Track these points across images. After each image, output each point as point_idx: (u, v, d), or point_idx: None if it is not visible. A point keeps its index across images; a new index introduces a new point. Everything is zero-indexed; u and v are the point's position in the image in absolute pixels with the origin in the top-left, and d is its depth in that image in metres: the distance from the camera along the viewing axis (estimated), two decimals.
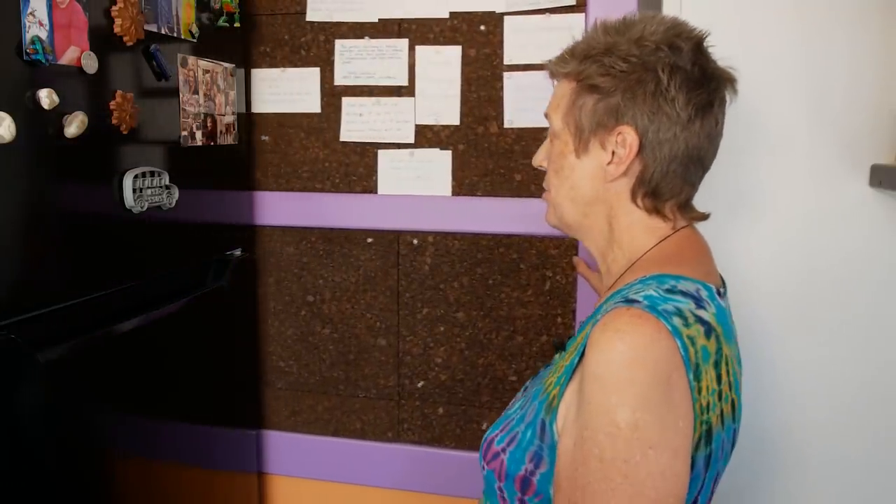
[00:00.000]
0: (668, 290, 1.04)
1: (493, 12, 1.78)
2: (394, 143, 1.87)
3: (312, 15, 1.87)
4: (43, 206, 1.22)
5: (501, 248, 1.84)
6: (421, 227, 1.88)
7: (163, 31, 1.48)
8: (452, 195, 1.85)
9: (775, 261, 1.68)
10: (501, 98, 1.80)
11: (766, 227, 1.68)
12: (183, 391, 1.62)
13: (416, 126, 1.85)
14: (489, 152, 1.82)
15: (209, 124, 1.67)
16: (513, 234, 1.82)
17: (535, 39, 1.77)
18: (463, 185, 1.84)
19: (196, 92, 1.61)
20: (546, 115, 1.21)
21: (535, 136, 1.78)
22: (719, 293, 1.11)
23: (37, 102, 1.17)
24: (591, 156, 1.16)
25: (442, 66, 1.83)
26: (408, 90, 1.85)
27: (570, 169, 1.18)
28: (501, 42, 1.79)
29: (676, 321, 0.99)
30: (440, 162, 1.85)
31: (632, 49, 1.12)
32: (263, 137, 1.94)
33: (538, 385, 1.17)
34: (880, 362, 1.65)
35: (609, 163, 1.15)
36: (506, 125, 1.81)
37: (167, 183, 1.49)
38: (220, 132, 1.72)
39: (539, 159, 1.26)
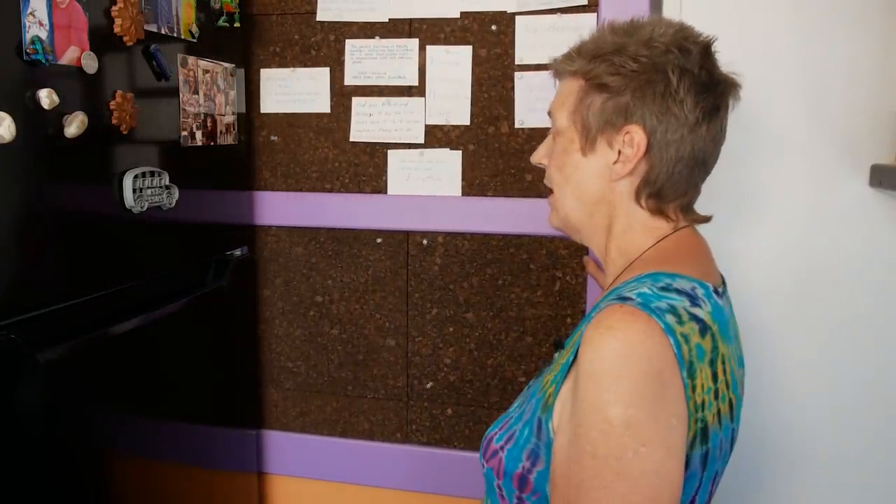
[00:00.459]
0: (663, 288, 1.04)
1: (505, 12, 1.77)
2: (404, 144, 1.86)
3: (323, 15, 1.87)
4: (43, 206, 1.23)
5: (511, 249, 1.83)
6: (431, 227, 1.87)
7: (163, 31, 1.48)
8: (462, 195, 1.84)
9: (775, 261, 1.67)
10: (512, 98, 1.79)
11: (766, 227, 1.67)
12: (183, 391, 1.62)
13: (427, 126, 1.84)
14: (500, 152, 1.80)
15: (209, 124, 1.67)
16: (523, 235, 1.80)
17: (546, 39, 1.76)
18: (473, 185, 1.83)
19: (196, 92, 1.61)
20: (549, 113, 1.20)
21: (545, 137, 1.76)
22: (717, 292, 1.10)
23: (37, 102, 1.17)
24: (597, 154, 1.16)
25: (452, 66, 1.82)
26: (418, 90, 1.84)
27: (574, 167, 1.17)
28: (513, 42, 1.77)
29: (669, 318, 0.98)
30: (450, 162, 1.84)
31: (641, 50, 1.12)
32: (273, 137, 1.94)
33: (537, 384, 1.16)
34: (880, 362, 1.64)
35: (615, 162, 1.14)
36: (516, 125, 1.79)
37: (167, 183, 1.49)
38: (220, 132, 1.72)
39: (539, 156, 1.25)
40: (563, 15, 1.73)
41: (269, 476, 2.05)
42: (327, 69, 1.89)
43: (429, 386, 1.92)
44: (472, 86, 1.81)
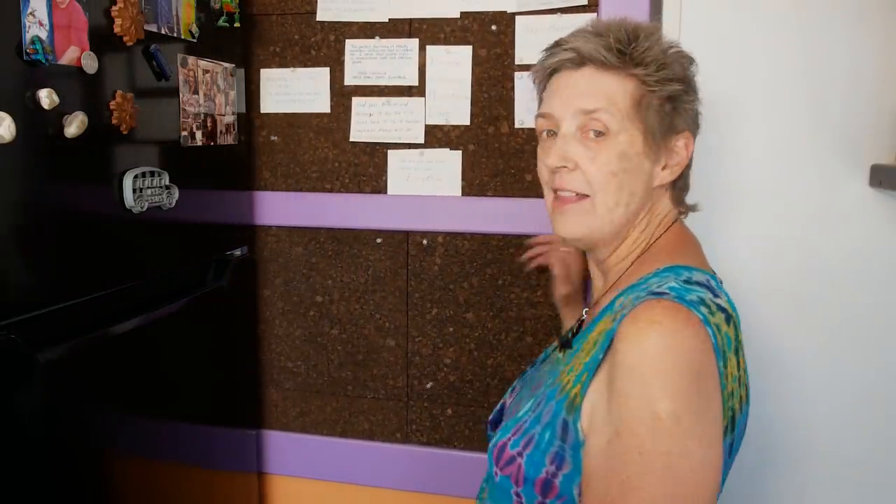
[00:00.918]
0: (686, 281, 1.06)
1: (505, 12, 1.77)
2: (404, 144, 1.86)
3: (323, 15, 1.87)
4: (43, 206, 1.23)
5: (511, 249, 1.83)
6: (430, 227, 1.87)
7: (163, 31, 1.48)
8: (462, 195, 1.84)
9: (775, 260, 1.66)
10: (512, 98, 1.79)
11: (766, 226, 1.66)
12: (183, 391, 1.62)
13: (426, 126, 1.84)
14: (500, 152, 1.80)
15: (209, 124, 1.67)
16: (523, 235, 1.80)
17: (546, 39, 1.72)
18: (473, 185, 1.83)
19: (196, 92, 1.61)
20: (589, 112, 1.13)
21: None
22: (720, 282, 1.14)
23: (37, 102, 1.17)
24: (652, 159, 1.16)
25: (452, 66, 1.82)
26: (418, 90, 1.84)
27: (633, 172, 1.14)
28: (513, 42, 1.77)
29: (704, 310, 1.00)
30: (450, 162, 1.84)
31: (679, 59, 1.19)
32: (273, 137, 1.94)
33: (549, 385, 1.14)
34: (880, 362, 1.64)
35: (664, 167, 1.17)
36: (516, 125, 1.79)
37: (167, 183, 1.49)
38: (220, 132, 1.72)
39: (578, 155, 1.14)
40: (563, 15, 1.73)
41: (269, 476, 2.05)
42: (327, 69, 1.89)
43: (429, 386, 1.92)
44: (472, 86, 1.81)
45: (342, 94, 1.88)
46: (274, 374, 2.03)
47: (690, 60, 1.21)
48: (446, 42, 1.81)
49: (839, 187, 1.62)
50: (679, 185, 1.22)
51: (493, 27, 1.78)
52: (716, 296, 1.06)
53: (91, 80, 1.29)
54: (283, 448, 2.04)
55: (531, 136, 1.78)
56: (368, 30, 1.85)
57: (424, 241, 1.88)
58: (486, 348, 1.87)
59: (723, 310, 1.04)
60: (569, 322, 1.58)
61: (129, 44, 1.36)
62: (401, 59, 1.84)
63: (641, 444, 0.94)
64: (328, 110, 1.90)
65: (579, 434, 1.04)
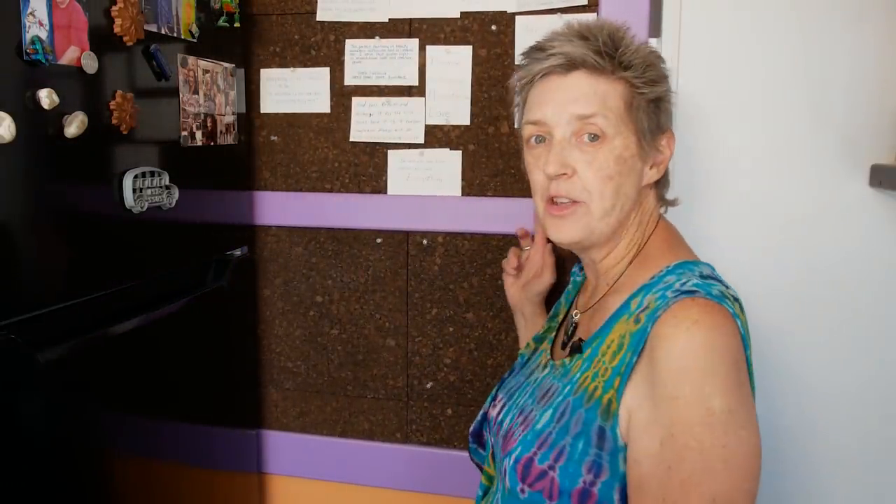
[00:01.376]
0: (702, 277, 1.09)
1: (505, 12, 1.77)
2: (404, 144, 1.86)
3: (323, 15, 1.87)
4: (43, 206, 1.22)
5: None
6: (430, 227, 1.87)
7: (163, 31, 1.48)
8: (462, 195, 1.84)
9: (775, 260, 1.66)
10: (512, 98, 1.78)
11: (766, 226, 1.66)
12: (183, 391, 1.62)
13: (426, 126, 1.84)
14: (500, 152, 1.80)
15: (209, 124, 1.67)
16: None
17: None
18: (473, 185, 1.83)
19: (196, 92, 1.61)
20: (586, 117, 1.14)
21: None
22: None
23: (37, 102, 1.17)
24: (642, 160, 1.18)
25: (452, 66, 1.82)
26: (418, 90, 1.84)
27: (627, 174, 1.16)
28: (513, 42, 1.77)
29: (728, 304, 1.04)
30: (450, 162, 1.84)
31: (658, 59, 1.22)
32: (273, 137, 1.94)
33: (569, 393, 1.13)
34: (880, 362, 1.64)
35: (652, 166, 1.20)
36: (516, 125, 1.79)
37: (167, 183, 1.49)
38: (220, 132, 1.72)
39: (574, 161, 1.15)
40: (563, 15, 1.73)
41: (269, 476, 2.05)
42: (327, 69, 1.89)
43: (429, 386, 1.92)
44: (472, 86, 1.81)
45: (342, 94, 1.88)
46: (274, 374, 2.03)
47: (664, 60, 1.23)
48: (446, 42, 1.81)
49: (839, 187, 1.62)
50: (662, 183, 1.25)
51: (493, 27, 1.78)
52: (727, 287, 1.09)
53: (91, 80, 1.29)
54: (283, 448, 2.03)
55: None
56: (368, 30, 1.85)
57: (424, 241, 1.88)
58: (486, 348, 1.87)
59: (737, 300, 1.08)
60: (529, 327, 1.60)
61: (129, 44, 1.36)
62: (401, 59, 1.84)
63: (700, 444, 0.96)
64: (328, 110, 1.90)
65: (619, 440, 1.04)
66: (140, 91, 1.42)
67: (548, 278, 1.60)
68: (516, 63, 1.34)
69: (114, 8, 1.32)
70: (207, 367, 1.71)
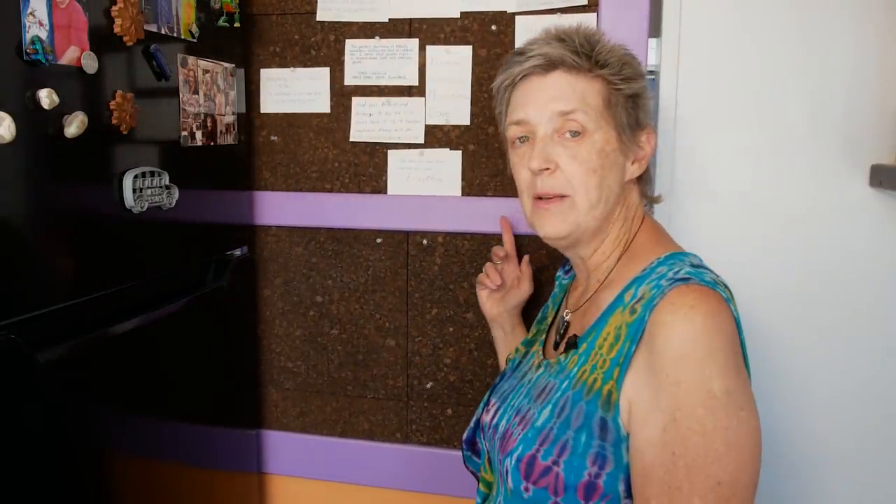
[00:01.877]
0: (692, 265, 1.11)
1: (505, 12, 1.77)
2: (404, 144, 1.86)
3: (323, 15, 1.87)
4: (43, 206, 1.22)
5: None
6: (430, 227, 1.87)
7: (163, 31, 1.48)
8: (462, 195, 1.84)
9: (775, 260, 1.67)
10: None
11: (766, 226, 1.67)
12: (183, 391, 1.62)
13: (426, 126, 1.84)
14: (500, 152, 1.80)
15: (209, 124, 1.67)
16: (523, 235, 1.79)
17: None
18: (473, 185, 1.83)
19: (196, 92, 1.60)
20: (566, 113, 1.18)
21: None
22: None
23: (37, 102, 1.17)
24: (624, 155, 1.21)
25: (452, 66, 1.82)
26: (418, 90, 1.84)
27: (610, 168, 1.19)
28: (513, 42, 1.77)
29: (721, 289, 1.06)
30: (450, 162, 1.84)
31: (633, 59, 1.25)
32: (273, 138, 1.94)
33: (568, 388, 1.14)
34: (880, 362, 1.64)
35: (634, 161, 1.23)
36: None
37: (167, 183, 1.49)
38: (220, 132, 1.72)
39: (556, 155, 1.19)
40: (563, 15, 1.72)
41: (269, 476, 2.05)
42: (327, 69, 1.89)
43: (429, 386, 1.92)
44: (472, 86, 1.81)
45: (342, 94, 1.88)
46: (274, 374, 2.03)
47: (640, 61, 1.28)
48: (446, 42, 1.81)
49: (839, 187, 1.63)
50: (644, 179, 1.28)
51: (493, 27, 1.78)
52: (717, 275, 1.12)
53: (91, 80, 1.29)
54: (283, 448, 2.03)
55: None
56: (368, 30, 1.85)
57: (424, 241, 1.88)
58: (486, 348, 1.87)
59: (727, 287, 1.10)
60: (509, 340, 1.62)
61: (129, 44, 1.36)
62: (401, 59, 1.84)
63: (703, 427, 0.98)
64: (328, 110, 1.90)
65: (621, 430, 1.06)
66: (140, 91, 1.42)
67: (526, 289, 1.64)
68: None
69: (114, 8, 1.32)
70: (207, 367, 1.71)
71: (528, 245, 1.79)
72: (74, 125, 1.23)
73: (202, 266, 1.75)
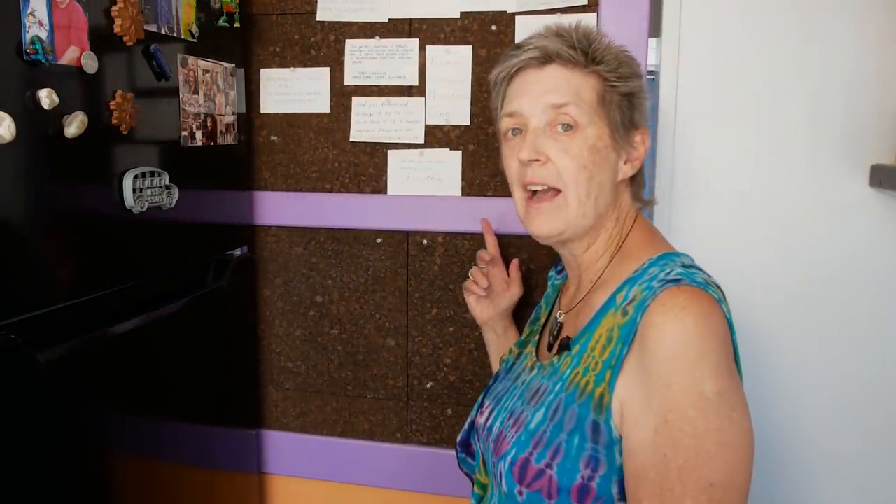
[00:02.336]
0: (684, 266, 1.11)
1: (505, 12, 1.77)
2: (404, 144, 1.86)
3: (323, 15, 1.87)
4: (43, 206, 1.22)
5: (512, 249, 1.82)
6: (430, 227, 1.87)
7: (163, 31, 1.48)
8: (462, 195, 1.84)
9: (775, 260, 1.67)
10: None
11: (766, 226, 1.67)
12: (183, 391, 1.62)
13: (426, 126, 1.84)
14: (500, 152, 1.80)
15: (209, 124, 1.67)
16: (523, 235, 1.79)
17: None
18: (473, 185, 1.83)
19: (196, 92, 1.60)
20: (559, 106, 1.18)
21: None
22: None
23: (37, 102, 1.17)
24: (616, 153, 1.21)
25: (452, 66, 1.82)
26: (418, 90, 1.84)
27: (602, 165, 1.19)
28: (513, 42, 1.77)
29: (713, 290, 1.06)
30: (450, 162, 1.84)
31: (631, 59, 1.25)
32: (273, 137, 1.94)
33: (560, 390, 1.14)
34: (880, 362, 1.65)
35: (626, 161, 1.22)
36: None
37: (167, 183, 1.49)
38: (220, 132, 1.72)
39: (547, 148, 1.19)
40: (563, 15, 1.72)
41: (269, 476, 2.05)
42: (327, 69, 1.89)
43: (429, 386, 1.92)
44: (472, 86, 1.81)
45: (342, 94, 1.88)
46: (274, 374, 2.03)
47: (637, 62, 1.26)
48: (446, 42, 1.81)
49: (839, 187, 1.63)
50: (637, 181, 1.28)
51: (493, 27, 1.78)
52: (709, 276, 1.11)
53: (91, 80, 1.29)
54: (283, 448, 2.03)
55: None
56: (368, 30, 1.85)
57: (424, 241, 1.88)
58: (485, 348, 1.86)
59: (720, 288, 1.09)
60: (502, 343, 1.63)
61: (129, 44, 1.36)
62: (401, 59, 1.84)
63: (694, 429, 0.98)
64: (328, 110, 1.90)
65: (613, 432, 1.06)
66: (140, 91, 1.41)
67: (517, 291, 1.65)
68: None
69: (114, 8, 1.32)
70: (207, 367, 1.71)
71: (527, 245, 1.79)
72: (74, 125, 1.23)
73: (202, 266, 1.75)
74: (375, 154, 1.88)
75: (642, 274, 1.13)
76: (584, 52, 1.19)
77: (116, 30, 1.33)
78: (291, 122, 1.93)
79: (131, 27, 1.34)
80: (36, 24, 1.15)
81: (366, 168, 1.89)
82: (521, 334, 1.54)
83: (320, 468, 2.01)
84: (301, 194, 1.93)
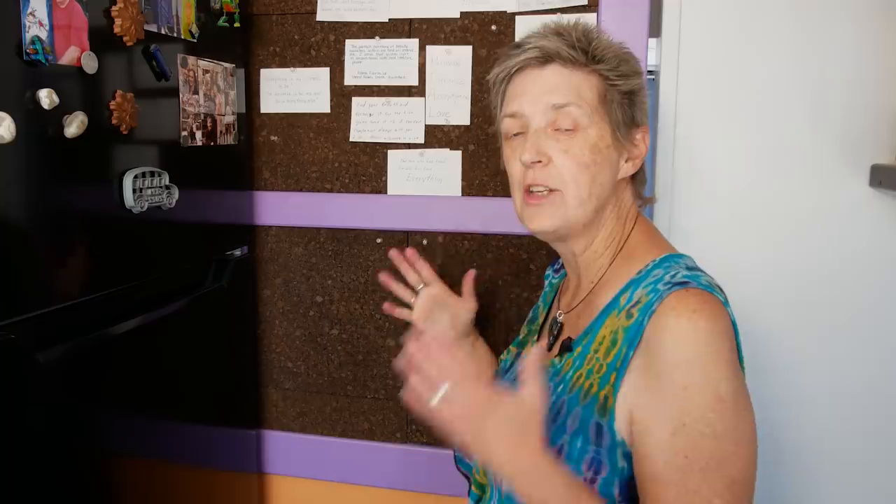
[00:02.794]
0: (688, 268, 1.11)
1: (505, 12, 1.77)
2: (404, 144, 1.86)
3: (323, 15, 1.87)
4: (43, 207, 1.22)
5: (511, 249, 1.83)
6: (431, 227, 1.87)
7: (163, 31, 1.48)
8: (462, 195, 1.84)
9: (775, 260, 1.67)
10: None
11: (766, 226, 1.67)
12: (183, 391, 1.62)
13: (426, 126, 1.84)
14: (500, 152, 1.80)
15: (209, 124, 1.67)
16: (523, 235, 1.80)
17: None
18: (473, 185, 1.83)
19: (196, 92, 1.60)
20: (560, 106, 1.17)
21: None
22: None
23: (37, 102, 1.17)
24: (618, 152, 1.20)
25: (452, 66, 1.82)
26: (418, 90, 1.84)
27: (602, 164, 1.18)
28: (513, 42, 1.77)
29: (717, 293, 1.06)
30: (450, 162, 1.84)
31: (632, 57, 1.24)
32: (273, 137, 1.94)
33: (563, 392, 1.14)
34: (880, 362, 1.65)
35: (628, 159, 1.21)
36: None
37: (167, 183, 1.49)
38: (220, 132, 1.72)
39: (548, 148, 1.18)
40: (563, 15, 1.73)
41: (269, 476, 2.05)
42: (327, 69, 1.89)
43: None
44: (472, 86, 1.81)
45: (342, 94, 1.88)
46: (274, 374, 2.03)
47: (637, 59, 1.25)
48: (446, 42, 1.81)
49: (839, 187, 1.63)
50: (639, 179, 1.27)
51: (493, 27, 1.78)
52: (711, 277, 1.11)
53: (91, 80, 1.29)
54: (283, 448, 2.03)
55: None
56: (368, 30, 1.85)
57: (424, 241, 1.88)
58: None
59: (721, 289, 1.09)
60: (477, 357, 1.59)
61: (129, 44, 1.36)
62: (401, 59, 1.84)
63: (714, 430, 0.98)
64: (328, 110, 1.90)
65: (616, 435, 1.05)
66: (140, 91, 1.42)
67: (473, 305, 1.61)
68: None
69: (114, 8, 1.32)
70: (207, 367, 1.71)
71: (527, 245, 1.79)
72: (74, 125, 1.23)
73: (202, 266, 1.75)
74: (375, 154, 1.88)
75: (647, 275, 1.12)
76: (584, 50, 1.18)
77: (116, 30, 1.33)
78: (291, 122, 1.93)
79: (131, 27, 1.34)
80: (36, 24, 1.15)
81: (366, 168, 1.89)
82: (518, 336, 1.53)
83: (320, 468, 2.01)
84: (301, 194, 1.93)
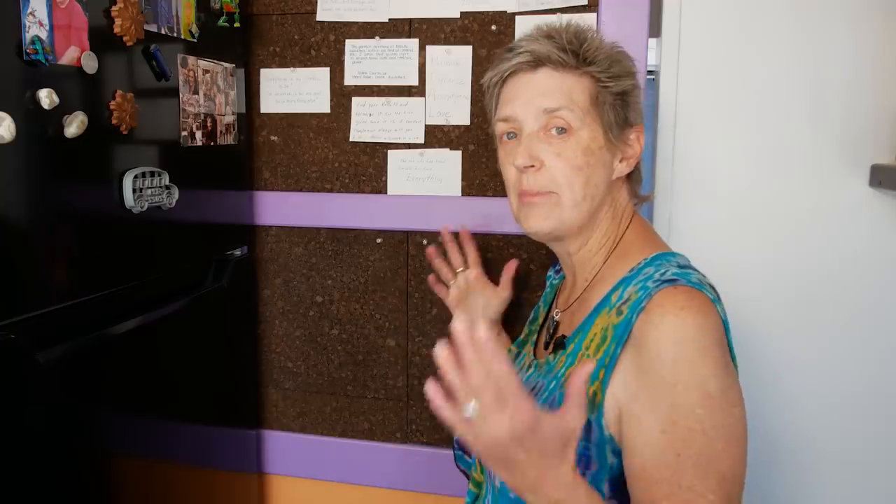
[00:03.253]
0: (679, 267, 1.11)
1: (505, 12, 1.77)
2: (404, 144, 1.86)
3: (323, 15, 1.87)
4: (43, 206, 1.22)
5: (511, 249, 1.83)
6: (431, 227, 1.87)
7: (163, 31, 1.48)
8: (462, 195, 1.84)
9: (774, 260, 1.67)
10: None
11: (766, 226, 1.67)
12: (183, 391, 1.62)
13: (426, 126, 1.84)
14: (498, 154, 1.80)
15: (209, 124, 1.67)
16: (523, 235, 1.78)
17: None
18: (473, 185, 1.83)
19: (196, 92, 1.60)
20: (552, 110, 1.18)
21: None
22: None
23: (37, 102, 1.17)
24: (611, 153, 1.20)
25: (452, 66, 1.81)
26: (418, 90, 1.84)
27: (596, 166, 1.19)
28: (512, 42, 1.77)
29: (707, 290, 1.06)
30: (450, 162, 1.84)
31: (624, 56, 1.24)
32: (273, 137, 1.94)
33: (555, 388, 1.14)
34: (880, 362, 1.65)
35: (622, 160, 1.22)
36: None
37: (167, 183, 1.49)
38: (220, 132, 1.72)
39: (541, 152, 1.19)
40: (563, 15, 1.73)
41: (269, 476, 2.05)
42: (327, 69, 1.89)
43: None
44: (472, 86, 1.80)
45: (342, 94, 1.88)
46: (274, 374, 2.03)
47: (631, 58, 1.26)
48: (446, 42, 1.81)
49: (839, 187, 1.63)
50: (634, 178, 1.28)
51: (493, 27, 1.78)
52: (703, 276, 1.12)
53: (91, 80, 1.29)
54: (283, 448, 2.03)
55: None
56: (368, 30, 1.85)
57: (424, 241, 1.88)
58: None
59: (713, 287, 1.10)
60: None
61: (129, 44, 1.36)
62: (401, 59, 1.84)
63: (703, 426, 0.98)
64: (328, 110, 1.90)
65: (604, 431, 1.06)
66: (140, 91, 1.42)
67: (507, 293, 1.64)
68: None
69: (114, 8, 1.32)
70: (207, 367, 1.71)
71: (527, 245, 1.79)
72: (74, 125, 1.23)
73: (202, 266, 1.75)
74: (375, 154, 1.88)
75: (637, 273, 1.13)
76: (574, 53, 1.19)
77: (116, 30, 1.33)
78: (291, 122, 1.93)
79: (131, 27, 1.34)
80: (36, 24, 1.15)
81: (366, 168, 1.89)
82: (520, 335, 1.54)
83: (320, 468, 2.01)
84: (301, 194, 1.93)
